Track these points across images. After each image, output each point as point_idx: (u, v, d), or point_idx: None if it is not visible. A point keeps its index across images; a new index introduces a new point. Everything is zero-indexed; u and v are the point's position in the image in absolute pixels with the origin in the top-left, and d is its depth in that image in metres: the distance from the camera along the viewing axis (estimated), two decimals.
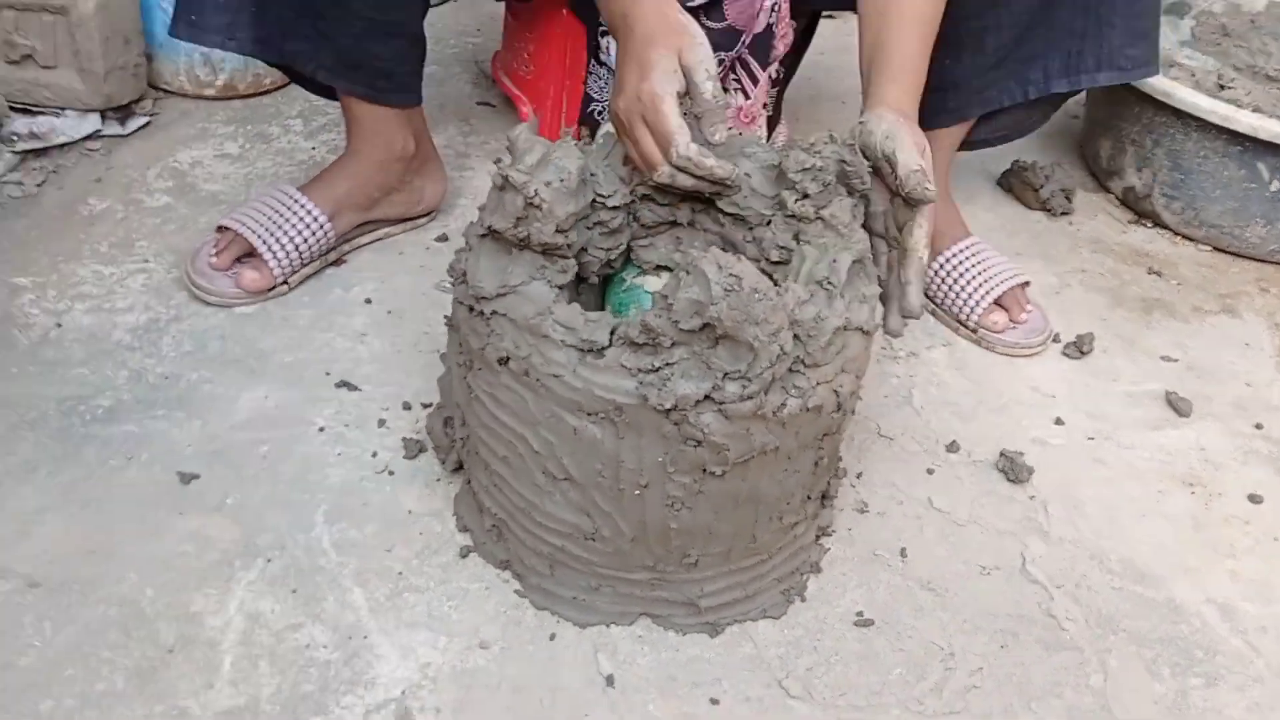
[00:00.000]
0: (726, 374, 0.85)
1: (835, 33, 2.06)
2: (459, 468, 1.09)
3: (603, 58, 1.48)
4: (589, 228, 1.00)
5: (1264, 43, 1.76)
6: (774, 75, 1.57)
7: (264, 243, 1.25)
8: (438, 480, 1.09)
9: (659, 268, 1.08)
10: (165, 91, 1.64)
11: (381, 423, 1.14)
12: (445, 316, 1.08)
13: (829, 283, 0.94)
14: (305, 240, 1.27)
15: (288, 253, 1.26)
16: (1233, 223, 1.53)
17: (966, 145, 1.43)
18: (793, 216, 1.01)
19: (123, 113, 1.56)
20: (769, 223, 1.03)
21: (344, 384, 1.18)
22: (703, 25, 1.42)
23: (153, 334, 1.21)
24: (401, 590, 0.99)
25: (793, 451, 0.92)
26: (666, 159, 0.96)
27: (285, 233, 1.26)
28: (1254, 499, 1.19)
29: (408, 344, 1.25)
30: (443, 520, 1.05)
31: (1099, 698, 0.97)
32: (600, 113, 1.55)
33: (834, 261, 0.96)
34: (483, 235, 0.99)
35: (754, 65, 1.47)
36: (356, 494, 1.07)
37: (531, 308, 0.91)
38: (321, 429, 1.13)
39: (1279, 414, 1.31)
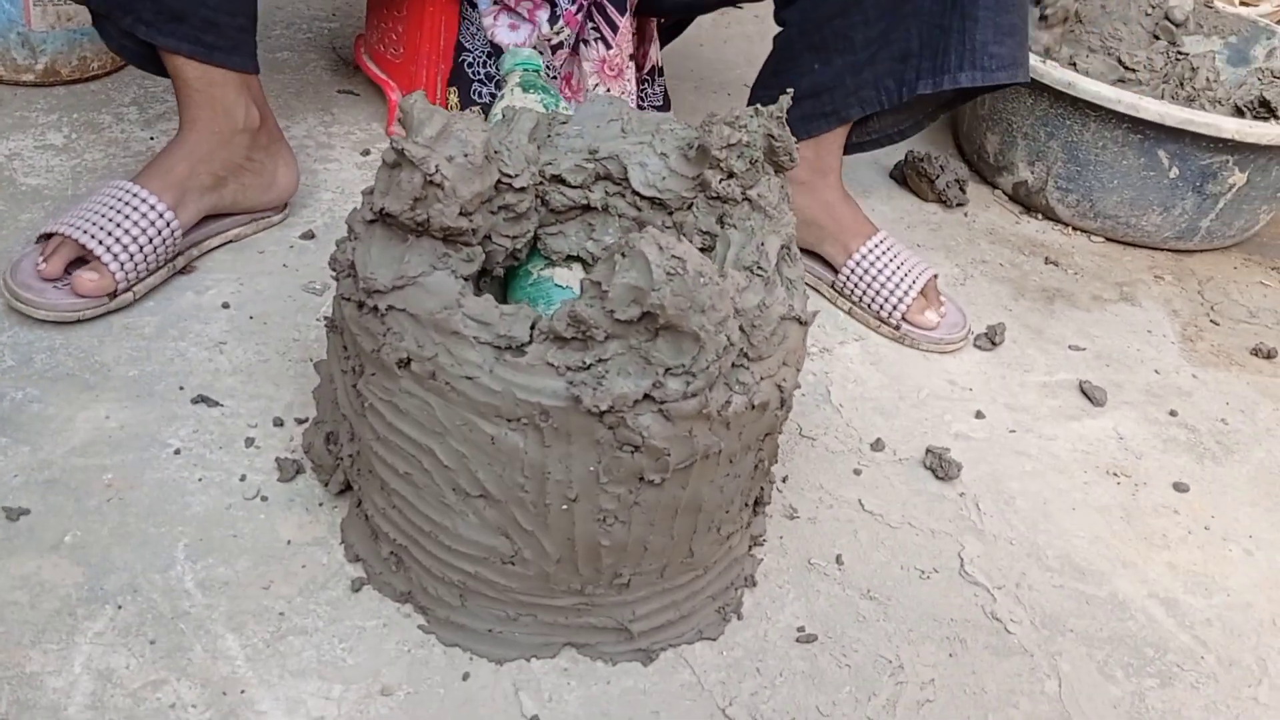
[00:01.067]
0: (668, 369, 0.75)
1: (714, 25, 2.00)
2: (345, 489, 0.95)
3: None
4: (493, 212, 0.89)
5: (1115, 28, 1.79)
6: (644, 91, 1.49)
7: (100, 243, 1.07)
8: (320, 505, 0.95)
9: (569, 258, 0.97)
10: None
11: (250, 442, 0.99)
12: (326, 318, 0.95)
13: (759, 268, 0.86)
14: (149, 238, 1.10)
15: (131, 254, 1.08)
16: (1129, 212, 1.52)
17: (846, 149, 1.36)
18: (717, 198, 0.92)
19: None
20: (690, 206, 0.94)
21: (202, 399, 1.03)
22: None
23: None
24: (284, 633, 0.85)
25: (735, 454, 0.83)
26: None
27: (125, 229, 1.08)
28: (1179, 487, 1.16)
29: (275, 353, 1.10)
30: (329, 550, 0.92)
31: (1055, 705, 0.91)
32: (471, 64, 1.42)
33: (762, 245, 0.88)
34: (371, 221, 0.87)
35: (611, 10, 1.38)
36: (224, 524, 0.92)
37: (436, 301, 0.79)
38: (177, 451, 0.97)
39: (1191, 400, 1.29)
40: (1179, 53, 1.76)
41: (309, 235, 1.27)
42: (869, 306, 1.29)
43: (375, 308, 0.82)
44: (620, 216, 0.96)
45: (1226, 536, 1.11)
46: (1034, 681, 0.93)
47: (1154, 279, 1.52)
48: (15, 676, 0.78)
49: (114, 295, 1.09)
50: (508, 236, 0.91)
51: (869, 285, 1.28)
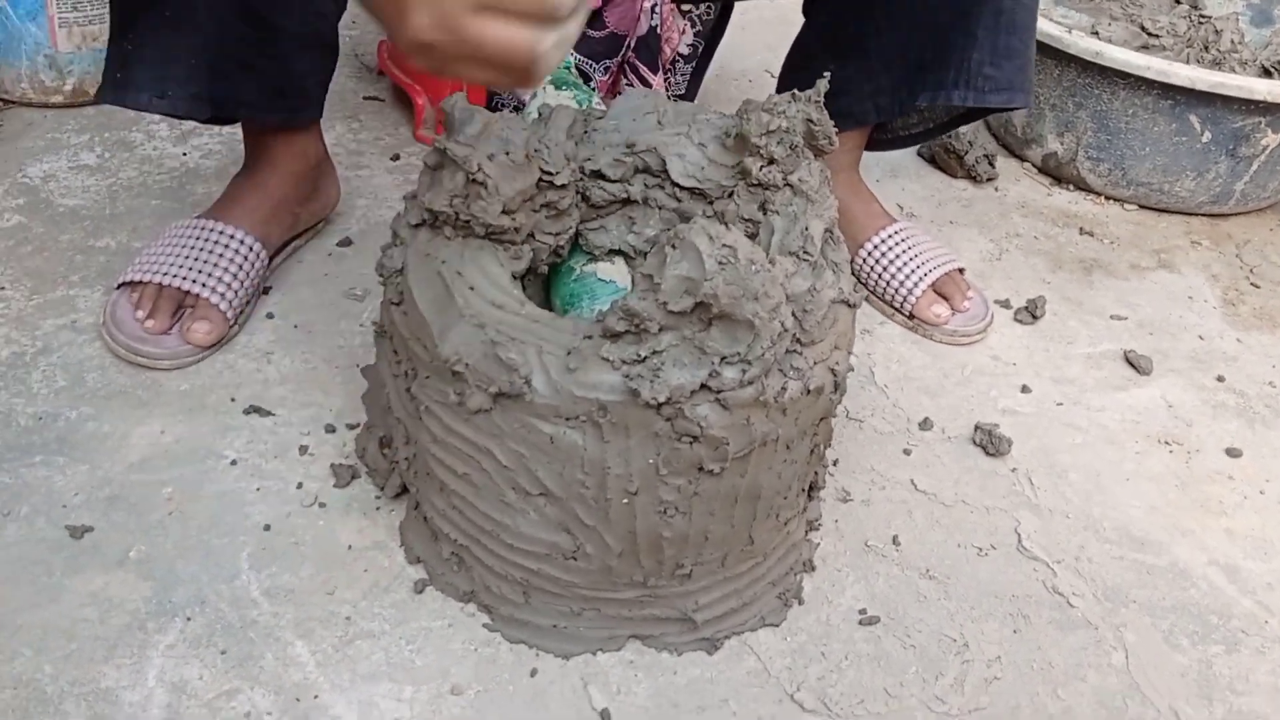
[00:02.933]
0: (724, 358, 0.75)
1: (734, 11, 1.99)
2: (401, 492, 0.96)
3: None
4: (535, 210, 0.89)
5: None
6: (669, 79, 1.49)
7: (205, 286, 1.07)
8: (377, 508, 0.96)
9: (611, 252, 0.97)
10: (4, 101, 1.45)
11: (304, 449, 1.00)
12: (374, 323, 0.96)
13: (805, 253, 0.86)
14: (246, 273, 1.11)
15: (236, 291, 1.09)
16: (1162, 179, 1.51)
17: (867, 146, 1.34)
18: (758, 185, 0.92)
19: None
20: (731, 194, 0.94)
21: (254, 409, 1.03)
22: (586, 36, 1.33)
23: (18, 370, 1.04)
24: (352, 637, 0.85)
25: (792, 440, 0.83)
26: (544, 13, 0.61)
27: (224, 268, 1.09)
28: (1232, 453, 1.15)
29: (321, 360, 1.11)
30: (389, 553, 0.92)
31: (1124, 676, 0.91)
32: (501, 104, 1.43)
33: (806, 229, 0.87)
34: (416, 225, 0.87)
35: (643, 69, 1.39)
36: (285, 532, 0.93)
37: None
38: (234, 462, 0.98)
39: (1237, 365, 1.28)
40: (1201, 16, 1.74)
41: (346, 242, 1.28)
42: (882, 295, 1.28)
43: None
44: (660, 209, 0.96)
45: None
46: (1100, 654, 0.92)
47: (1191, 245, 1.51)
48: (91, 692, 0.79)
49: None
50: (550, 234, 0.91)
51: (879, 278, 1.28)
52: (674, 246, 0.75)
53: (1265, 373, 1.28)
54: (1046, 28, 1.46)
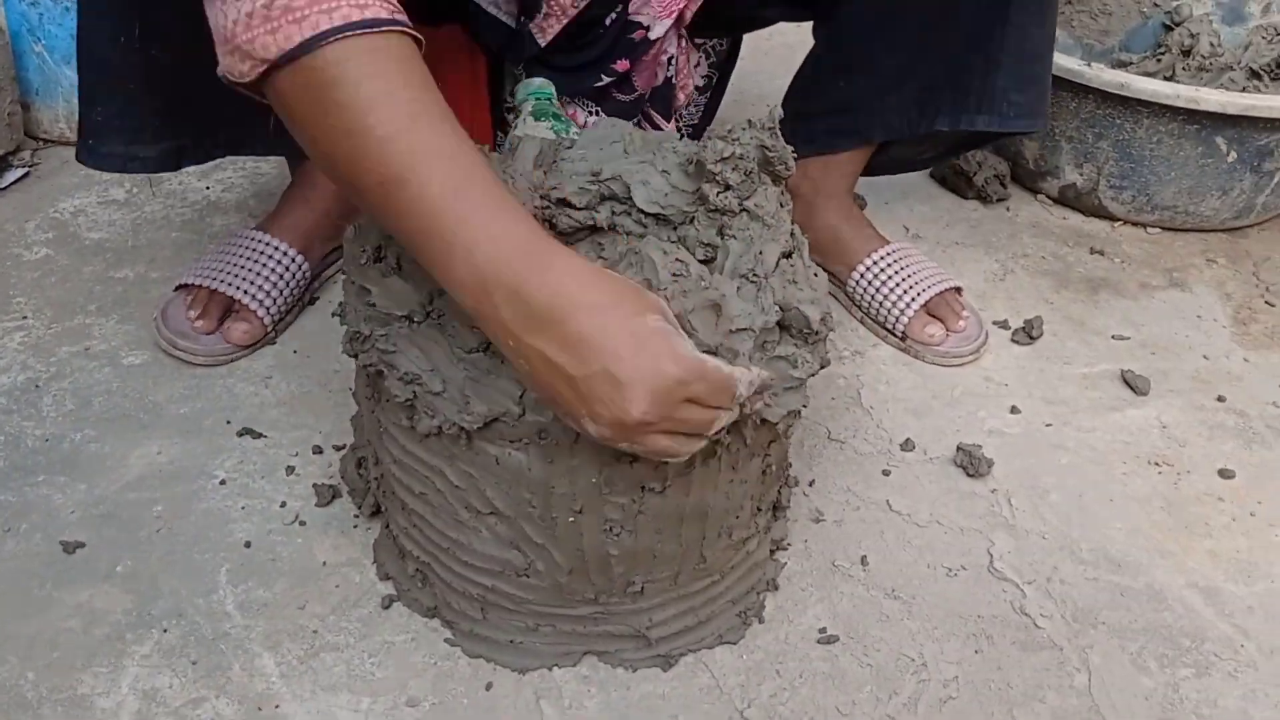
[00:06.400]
0: None
1: (754, 35, 2.01)
2: (376, 511, 0.99)
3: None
4: None
5: (1104, 3, 1.74)
6: (680, 126, 1.51)
7: (247, 294, 1.17)
8: (354, 527, 1.00)
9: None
10: (44, 140, 1.54)
11: (290, 470, 1.05)
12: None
13: (754, 275, 0.87)
14: (286, 282, 1.20)
15: (274, 299, 1.19)
16: (1188, 200, 1.48)
17: (868, 170, 1.36)
18: (716, 210, 0.94)
19: None
20: (692, 220, 0.96)
21: (247, 431, 1.08)
22: (614, 100, 1.36)
23: (30, 394, 1.11)
24: (317, 650, 0.89)
25: (738, 460, 0.85)
26: (730, 405, 0.74)
27: (265, 277, 1.18)
28: (1225, 474, 1.13)
29: (316, 384, 1.15)
30: (361, 570, 0.96)
31: (1084, 698, 0.90)
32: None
33: (760, 253, 0.89)
34: (364, 263, 0.90)
35: (657, 118, 1.41)
36: (264, 549, 0.97)
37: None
38: (223, 482, 1.03)
39: (1240, 385, 1.26)
40: (1172, 20, 1.70)
41: None
42: (874, 319, 1.29)
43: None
44: (627, 234, 0.98)
45: (1273, 522, 1.08)
46: (1062, 675, 0.92)
47: (1206, 263, 1.49)
48: (67, 699, 0.84)
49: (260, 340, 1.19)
50: None
51: (871, 300, 1.28)
52: (629, 262, 0.77)
53: (1270, 392, 1.25)
54: (1064, 62, 1.44)
